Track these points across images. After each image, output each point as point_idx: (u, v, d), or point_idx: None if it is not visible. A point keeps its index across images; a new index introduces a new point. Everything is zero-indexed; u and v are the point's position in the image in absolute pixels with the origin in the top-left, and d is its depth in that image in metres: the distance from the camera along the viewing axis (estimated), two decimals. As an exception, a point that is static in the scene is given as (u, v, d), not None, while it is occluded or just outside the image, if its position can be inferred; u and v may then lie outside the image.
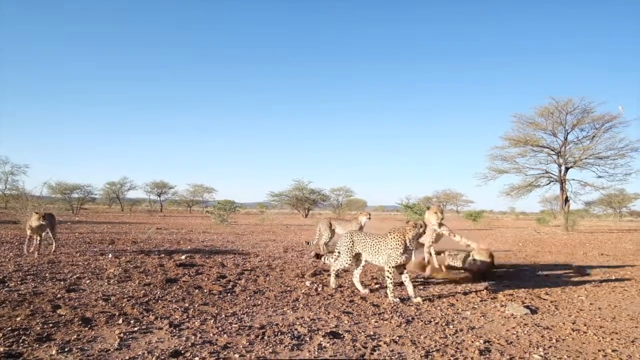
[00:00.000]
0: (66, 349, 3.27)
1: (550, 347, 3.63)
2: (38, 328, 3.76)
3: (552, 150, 24.38)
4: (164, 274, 6.54)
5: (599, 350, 3.57)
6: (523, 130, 24.98)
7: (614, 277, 7.21)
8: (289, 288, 5.79)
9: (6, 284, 5.51)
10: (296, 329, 3.92)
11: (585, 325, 4.33)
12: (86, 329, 3.80)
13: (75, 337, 3.56)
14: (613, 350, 3.56)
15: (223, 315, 4.35)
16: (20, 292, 5.12)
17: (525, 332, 4.04)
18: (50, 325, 3.86)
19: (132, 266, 7.16)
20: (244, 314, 4.44)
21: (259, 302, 4.97)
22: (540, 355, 3.39)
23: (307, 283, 6.10)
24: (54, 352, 3.20)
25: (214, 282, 6.00)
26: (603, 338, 3.90)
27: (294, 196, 42.45)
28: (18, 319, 4.01)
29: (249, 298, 5.17)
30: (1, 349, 3.20)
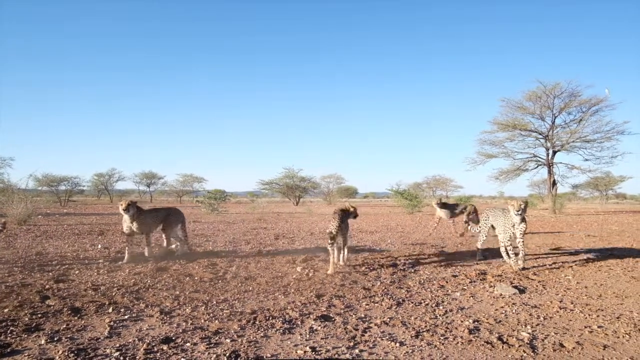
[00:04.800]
0: (55, 339, 3.24)
1: (538, 324, 3.69)
2: (26, 319, 3.72)
3: (540, 134, 24.62)
4: (154, 262, 6.50)
5: (585, 327, 3.64)
6: (511, 114, 25.19)
7: (599, 257, 7.35)
8: (280, 274, 5.80)
9: (-7, 276, 5.44)
10: (287, 313, 3.93)
11: (572, 303, 4.41)
12: (76, 318, 3.77)
13: (64, 326, 3.54)
14: (599, 327, 3.64)
15: (214, 302, 4.35)
16: (7, 284, 5.06)
17: (514, 311, 4.10)
18: (39, 315, 3.83)
19: (121, 256, 7.10)
20: (235, 300, 4.44)
21: (250, 288, 4.97)
22: (528, 333, 3.45)
23: (298, 269, 6.11)
24: (43, 341, 3.17)
25: (204, 270, 5.99)
26: (589, 315, 3.98)
27: (284, 184, 42.36)
28: (6, 310, 3.96)
29: (240, 284, 5.17)
30: (-11, 340, 3.17)
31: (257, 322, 3.66)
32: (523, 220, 6.04)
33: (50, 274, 5.64)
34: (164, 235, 7.55)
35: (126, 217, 6.70)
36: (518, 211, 5.92)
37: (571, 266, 6.45)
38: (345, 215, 6.40)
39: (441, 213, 11.54)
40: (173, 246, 7.71)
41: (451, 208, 11.71)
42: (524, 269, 6.13)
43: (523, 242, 6.25)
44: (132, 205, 6.73)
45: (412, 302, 4.39)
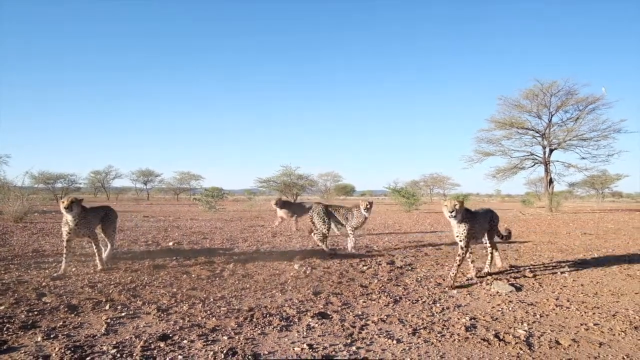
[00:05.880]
0: (52, 336, 3.23)
1: (534, 322, 3.71)
2: (23, 316, 3.71)
3: (537, 132, 24.69)
4: (152, 260, 6.49)
5: (581, 324, 3.66)
6: (509, 112, 25.23)
7: (596, 255, 7.38)
8: (277, 271, 5.80)
9: (-11, 274, 5.42)
10: (285, 311, 3.93)
11: (568, 301, 4.43)
12: (72, 315, 3.76)
13: (61, 323, 3.53)
14: (595, 324, 3.66)
15: (211, 299, 4.35)
16: (4, 281, 5.04)
17: (510, 308, 4.12)
18: (35, 312, 3.81)
19: (118, 254, 7.09)
20: (232, 298, 4.44)
21: (248, 286, 4.97)
22: (525, 330, 3.46)
23: (296, 266, 6.11)
24: (39, 338, 3.16)
25: (202, 267, 5.98)
26: (585, 313, 4.00)
27: (282, 182, 42.31)
28: (2, 307, 3.95)
29: (237, 282, 5.17)
30: (-15, 337, 3.15)
31: (254, 320, 3.66)
32: (462, 221, 5.12)
33: (47, 271, 5.62)
34: (105, 237, 6.45)
35: (69, 218, 5.62)
36: (452, 212, 5.00)
37: (567, 264, 6.48)
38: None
39: (281, 213, 11.79)
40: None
41: (291, 207, 11.99)
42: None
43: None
44: (76, 203, 5.67)
45: (409, 300, 4.40)
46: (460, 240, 5.16)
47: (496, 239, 6.10)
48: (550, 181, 24.46)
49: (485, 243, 5.90)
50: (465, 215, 5.17)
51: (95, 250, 5.89)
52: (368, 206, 7.63)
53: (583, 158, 24.28)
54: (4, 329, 3.38)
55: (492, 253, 5.87)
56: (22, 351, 2.94)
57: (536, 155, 25.20)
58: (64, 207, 5.56)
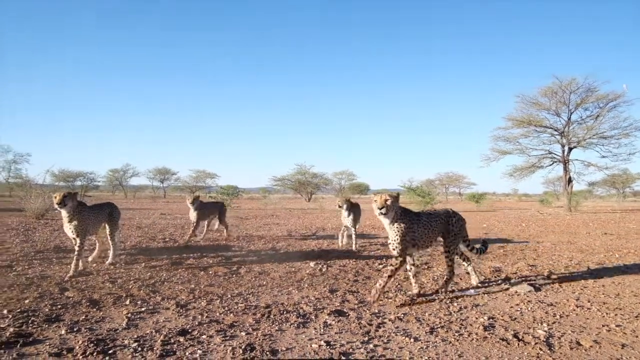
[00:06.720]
0: (75, 329, 3.31)
1: (554, 322, 3.65)
2: (47, 309, 3.81)
3: (556, 130, 24.21)
4: (169, 256, 6.59)
5: (602, 326, 3.59)
6: (526, 110, 24.77)
7: (617, 255, 7.23)
8: (293, 269, 5.83)
9: (14, 268, 5.57)
10: (302, 308, 3.95)
11: (589, 301, 4.35)
12: (94, 309, 3.84)
13: (83, 317, 3.61)
14: (617, 326, 3.58)
15: (229, 296, 4.39)
16: (28, 275, 5.18)
17: (529, 308, 4.06)
18: (59, 306, 3.91)
19: (137, 250, 7.21)
20: (249, 294, 4.48)
21: (264, 283, 5.01)
22: (545, 331, 3.41)
23: (312, 264, 6.13)
24: (63, 332, 3.24)
25: (218, 264, 6.05)
26: (607, 314, 3.92)
27: (296, 180, 42.48)
28: (27, 301, 4.06)
29: (254, 279, 5.21)
30: (12, 330, 3.25)
31: (271, 316, 3.69)
32: (396, 221, 4.21)
33: (68, 266, 5.75)
34: (110, 236, 6.21)
35: (63, 214, 5.32)
36: (381, 208, 4.12)
37: (588, 264, 6.35)
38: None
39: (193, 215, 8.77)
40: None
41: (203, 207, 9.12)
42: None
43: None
44: (69, 197, 5.28)
45: (426, 299, 4.37)
46: (393, 248, 4.20)
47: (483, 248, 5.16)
48: (569, 180, 23.97)
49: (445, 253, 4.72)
50: (403, 214, 4.25)
51: (76, 253, 5.33)
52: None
53: (603, 157, 23.73)
54: (30, 322, 3.47)
55: (450, 266, 4.66)
56: (47, 344, 3.02)
57: (555, 154, 24.73)
58: (57, 203, 5.18)
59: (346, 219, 7.82)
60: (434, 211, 4.68)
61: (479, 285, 4.99)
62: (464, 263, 5.07)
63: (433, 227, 4.48)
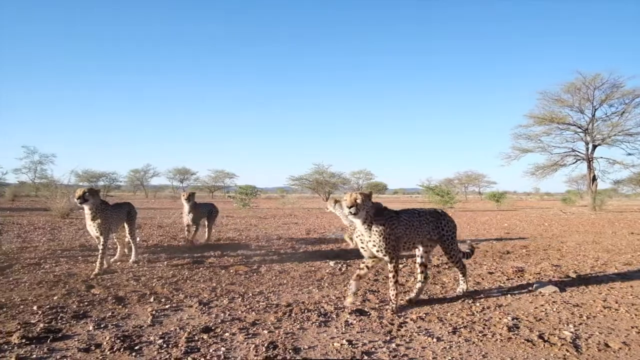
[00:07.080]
0: (102, 325, 3.39)
1: (580, 323, 3.57)
2: (74, 306, 3.91)
3: (579, 127, 23.65)
4: (191, 255, 6.68)
5: (632, 327, 3.49)
6: (548, 107, 24.29)
7: (645, 256, 7.02)
8: (313, 268, 5.85)
9: (42, 266, 5.74)
10: (322, 307, 3.96)
11: (616, 302, 4.23)
12: (120, 306, 3.93)
13: (110, 314, 3.69)
14: (647, 327, 3.49)
15: (250, 294, 4.43)
16: (55, 273, 5.32)
17: (555, 309, 3.98)
18: (86, 303, 4.01)
19: (159, 249, 7.34)
20: (270, 293, 4.51)
21: (285, 282, 5.04)
22: (571, 332, 3.34)
23: (331, 263, 6.14)
24: (90, 328, 3.33)
25: (239, 263, 6.11)
26: (636, 315, 3.81)
27: (314, 180, 42.48)
28: (55, 297, 4.18)
29: (274, 277, 5.25)
30: (42, 325, 3.35)
31: (292, 315, 3.71)
32: (371, 222, 3.81)
33: (94, 264, 5.88)
34: (129, 235, 6.36)
35: (85, 211, 5.38)
36: (350, 207, 3.72)
37: (614, 264, 6.19)
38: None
39: (187, 216, 8.20)
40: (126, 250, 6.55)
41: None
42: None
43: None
44: (90, 193, 5.30)
45: (448, 298, 4.33)
46: (384, 255, 3.83)
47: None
48: (594, 178, 23.37)
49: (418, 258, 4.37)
50: (377, 214, 3.86)
51: (101, 251, 5.41)
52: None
53: (629, 154, 23.08)
54: (58, 317, 3.57)
55: (423, 273, 4.29)
56: (76, 339, 3.10)
57: (578, 152, 24.17)
58: (77, 198, 5.19)
59: (346, 219, 7.74)
60: (419, 210, 4.31)
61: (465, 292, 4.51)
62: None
63: (416, 227, 4.09)
